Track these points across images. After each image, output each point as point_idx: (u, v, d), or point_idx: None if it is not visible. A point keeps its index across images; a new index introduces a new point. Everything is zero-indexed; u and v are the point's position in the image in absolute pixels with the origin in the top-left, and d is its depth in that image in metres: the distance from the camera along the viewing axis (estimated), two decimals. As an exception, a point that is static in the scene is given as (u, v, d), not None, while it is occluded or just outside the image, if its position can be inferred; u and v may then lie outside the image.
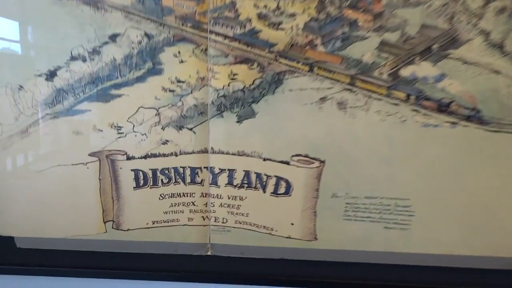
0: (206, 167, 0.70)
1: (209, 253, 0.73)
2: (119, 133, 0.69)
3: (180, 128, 0.69)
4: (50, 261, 0.74)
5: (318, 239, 0.70)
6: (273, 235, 0.71)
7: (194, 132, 0.69)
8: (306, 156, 0.68)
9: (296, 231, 0.70)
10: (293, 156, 0.68)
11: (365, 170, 0.67)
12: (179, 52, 0.67)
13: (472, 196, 0.66)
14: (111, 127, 0.70)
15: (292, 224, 0.70)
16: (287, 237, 0.71)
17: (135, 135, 0.69)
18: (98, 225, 0.73)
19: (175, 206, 0.72)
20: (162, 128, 0.69)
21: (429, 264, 0.69)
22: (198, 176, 0.70)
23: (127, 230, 0.73)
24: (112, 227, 0.73)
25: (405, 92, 0.64)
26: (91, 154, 0.71)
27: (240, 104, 0.67)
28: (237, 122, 0.68)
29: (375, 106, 0.65)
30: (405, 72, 0.64)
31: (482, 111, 0.64)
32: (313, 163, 0.68)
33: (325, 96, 0.65)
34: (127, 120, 0.69)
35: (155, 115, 0.69)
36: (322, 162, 0.67)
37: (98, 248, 0.73)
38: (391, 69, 0.64)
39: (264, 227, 0.71)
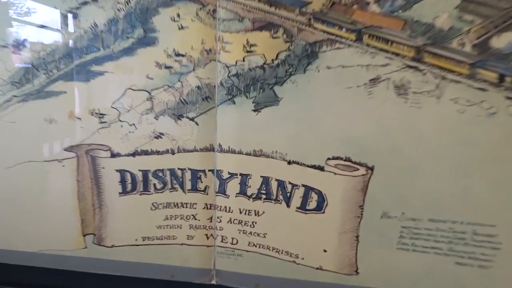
0: (212, 170, 0.53)
1: (213, 282, 0.55)
2: (101, 122, 0.53)
3: (178, 117, 0.52)
4: (16, 279, 0.59)
5: (360, 273, 0.51)
6: (298, 264, 0.53)
7: (197, 123, 0.52)
8: (347, 159, 0.49)
9: (330, 260, 0.52)
10: (329, 159, 0.49)
11: (431, 182, 0.47)
12: (178, 15, 0.49)
13: None
14: (92, 114, 0.54)
15: (325, 251, 0.52)
16: (317, 268, 0.52)
17: (121, 126, 0.53)
18: (75, 238, 0.57)
19: (171, 219, 0.55)
20: (155, 117, 0.52)
21: (519, 318, 0.49)
22: (201, 182, 0.53)
23: (111, 246, 0.57)
24: (93, 242, 0.57)
25: (498, 71, 0.44)
26: (67, 149, 0.55)
27: (259, 86, 0.50)
28: (254, 110, 0.50)
29: (450, 91, 0.45)
30: (499, 42, 0.44)
31: None
32: (357, 169, 0.49)
33: (378, 77, 0.46)
34: (112, 106, 0.53)
35: (147, 99, 0.52)
36: (370, 169, 0.49)
37: (76, 267, 0.58)
38: (478, 38, 0.44)
39: (287, 253, 0.53)
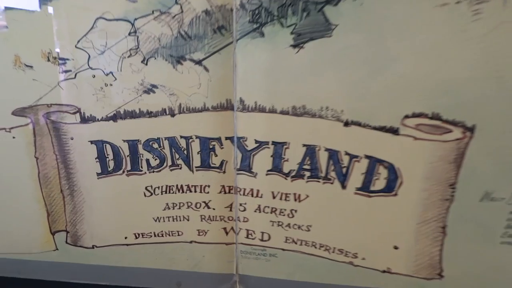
0: (231, 138, 0.36)
1: (236, 291, 0.41)
2: (63, 72, 0.36)
3: (178, 60, 0.35)
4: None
5: (445, 277, 0.37)
6: (356, 266, 0.37)
7: (207, 69, 0.35)
8: (435, 117, 0.33)
9: (403, 260, 0.36)
10: (407, 117, 0.33)
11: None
12: None
13: None
14: (48, 59, 0.36)
15: (396, 247, 0.37)
16: (383, 271, 0.37)
17: (93, 76, 0.36)
18: (41, 238, 0.41)
19: (174, 208, 0.39)
20: (143, 61, 0.35)
21: None
22: (216, 155, 0.37)
23: (92, 247, 0.41)
24: (66, 242, 0.41)
25: None
26: (16, 113, 0.37)
27: (301, 7, 0.32)
28: (294, 46, 0.33)
29: None
30: None
31: None
32: (449, 131, 0.33)
33: (497, -16, 0.30)
34: (77, 46, 0.35)
35: (129, 34, 0.35)
36: (469, 130, 0.32)
37: (43, 275, 0.42)
38: None
39: (341, 251, 0.37)
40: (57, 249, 0.40)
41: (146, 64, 0.34)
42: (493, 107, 0.31)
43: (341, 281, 0.37)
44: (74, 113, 0.36)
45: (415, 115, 0.32)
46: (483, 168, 0.32)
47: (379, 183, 0.34)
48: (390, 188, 0.34)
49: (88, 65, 0.35)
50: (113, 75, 0.35)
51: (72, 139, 0.37)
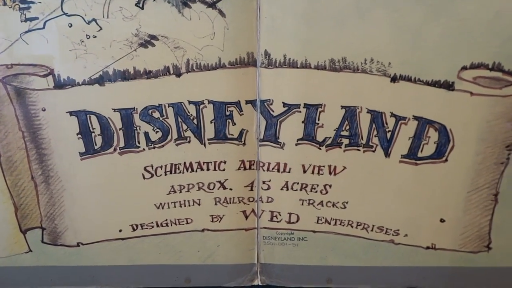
0: (252, 102, 0.29)
1: (256, 283, 0.34)
2: (27, 19, 0.27)
3: (185, 2, 0.27)
4: None
5: (493, 248, 0.32)
6: (398, 244, 0.32)
7: (222, 13, 0.27)
8: (496, 68, 0.27)
9: (449, 234, 0.31)
10: (464, 69, 0.27)
11: None
12: None
13: None
14: (3, 2, 0.27)
15: (443, 220, 0.32)
16: (427, 248, 0.32)
17: (70, 25, 0.27)
18: (8, 238, 0.31)
19: (182, 191, 0.31)
20: (138, 3, 0.26)
21: None
22: (233, 124, 0.29)
23: (77, 245, 0.32)
24: (42, 241, 0.32)
25: None
26: (-36, 77, 0.28)
27: None
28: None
29: None
30: None
31: None
32: (511, 85, 0.29)
33: None
34: (45, -16, 0.26)
35: (118, -34, 0.26)
36: (533, 82, 0.28)
37: (15, 284, 0.33)
38: None
39: (381, 229, 0.31)
40: (30, 250, 0.31)
41: (142, 7, 0.26)
42: None
43: (380, 263, 0.31)
44: (45, 75, 0.27)
45: (473, 66, 0.27)
46: (545, 125, 0.28)
47: (428, 148, 0.29)
48: (440, 153, 0.29)
49: (62, 9, 0.26)
50: (97, 24, 0.26)
51: (44, 110, 0.28)
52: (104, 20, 0.26)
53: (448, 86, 0.27)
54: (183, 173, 0.30)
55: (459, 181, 0.30)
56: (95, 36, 0.26)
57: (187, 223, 0.31)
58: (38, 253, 0.31)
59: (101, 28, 0.26)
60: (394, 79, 0.27)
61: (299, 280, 0.33)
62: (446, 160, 0.29)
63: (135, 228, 0.31)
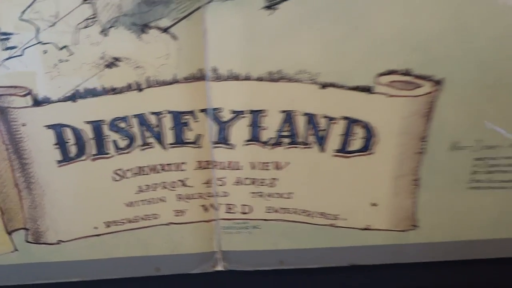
0: (205, 110, 0.33)
1: (219, 268, 0.38)
2: (8, 48, 0.30)
3: (142, 28, 0.31)
4: None
5: (420, 226, 0.37)
6: (338, 227, 0.36)
7: (175, 37, 0.31)
8: (406, 73, 0.32)
9: (381, 216, 0.36)
10: (381, 75, 0.32)
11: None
12: None
13: None
14: None
15: (374, 204, 0.36)
16: (363, 229, 0.37)
17: (45, 51, 0.31)
18: (-4, 239, 0.36)
19: (148, 190, 0.35)
20: (103, 32, 0.31)
21: None
22: (190, 130, 0.33)
23: (57, 242, 0.35)
24: (27, 240, 0.35)
25: None
26: (-48, 99, 0.32)
27: (273, -34, 0.30)
28: (267, 8, 0.31)
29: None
30: None
31: None
32: (420, 86, 0.33)
33: None
34: (22, 18, 0.30)
35: (84, 0, 0.30)
36: (437, 83, 0.32)
37: (5, 280, 0.37)
38: None
39: (322, 214, 0.36)
40: (16, 250, 0.35)
41: (107, 35, 0.30)
42: (460, 61, 0.31)
43: (323, 244, 0.36)
44: (25, 95, 0.31)
45: (388, 73, 0.32)
46: (451, 119, 0.33)
47: (356, 143, 0.33)
48: (367, 147, 0.34)
49: (37, 39, 0.30)
50: (68, 49, 0.30)
51: (24, 125, 0.31)
52: (75, 46, 0.30)
53: (368, 89, 0.32)
54: (148, 174, 0.34)
55: (385, 170, 0.35)
56: (67, 60, 0.30)
57: (155, 218, 0.35)
58: (23, 251, 0.35)
59: (72, 53, 0.30)
60: (323, 86, 0.32)
61: (256, 264, 0.37)
62: (372, 152, 0.34)
63: (109, 225, 0.35)
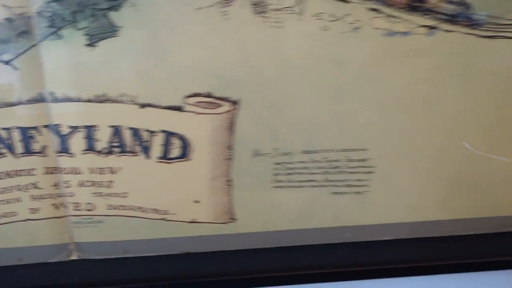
0: (47, 126, 0.41)
1: (74, 257, 0.45)
2: None
3: (-12, 61, 0.39)
4: None
5: (238, 219, 0.44)
6: (169, 221, 0.44)
7: (15, 68, 0.39)
8: (208, 95, 0.40)
9: (204, 211, 0.44)
10: (187, 96, 0.40)
11: (301, 110, 0.40)
12: None
13: (456, 136, 0.43)
14: None
15: (197, 201, 0.44)
16: (190, 222, 0.44)
17: None
18: None
19: (5, 192, 0.41)
20: (-45, 64, 0.38)
21: (397, 237, 0.46)
22: (36, 142, 0.41)
23: None
24: None
25: (357, -22, 0.38)
26: None
27: (89, 13, 0.38)
28: (89, 45, 0.39)
29: (313, 5, 0.38)
30: None
31: (473, 6, 0.39)
32: (221, 105, 0.41)
33: (231, -8, 0.38)
34: None
35: None
36: (235, 103, 0.40)
37: None
38: None
39: (155, 210, 0.43)
40: None
41: (-41, 66, 0.37)
42: (249, 85, 0.39)
43: (159, 235, 0.43)
44: None
45: (193, 95, 0.40)
46: (250, 131, 0.41)
47: (175, 152, 0.41)
48: (184, 154, 0.41)
49: None
50: None
51: None
52: None
53: (179, 108, 0.40)
54: (4, 179, 0.41)
55: (202, 173, 0.42)
56: None
57: (13, 215, 0.42)
58: None
59: None
60: (142, 106, 0.40)
61: (104, 253, 0.44)
62: (190, 159, 0.41)
63: (-26, 221, 0.42)
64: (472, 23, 0.39)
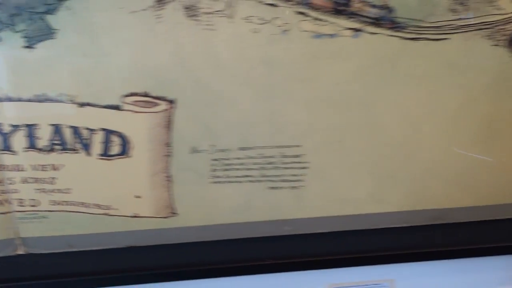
0: (-11, 125, 0.42)
1: (20, 252, 0.46)
2: None
3: None
4: None
5: (179, 213, 0.46)
6: (112, 215, 0.45)
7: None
8: (145, 95, 0.42)
9: (145, 206, 0.45)
10: (125, 96, 0.42)
11: (235, 108, 0.42)
12: None
13: (384, 133, 0.45)
14: None
15: (138, 196, 0.45)
16: (133, 216, 0.46)
17: None
18: None
19: None
20: None
21: (332, 230, 0.48)
22: (-21, 140, 0.43)
23: None
24: None
25: (282, -17, 0.40)
26: None
27: (27, 16, 0.39)
28: (27, 47, 0.40)
29: (243, 9, 0.40)
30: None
31: (396, 10, 0.42)
32: (158, 104, 0.43)
33: (161, -4, 0.39)
34: None
35: None
36: (171, 102, 0.42)
37: None
38: None
39: (97, 205, 0.45)
40: None
41: None
42: (185, 85, 0.41)
43: (102, 229, 0.45)
44: None
45: (131, 94, 0.41)
46: (187, 129, 0.43)
47: (115, 149, 0.43)
48: (124, 151, 0.43)
49: None
50: None
51: None
52: None
53: (117, 107, 0.42)
54: (-51, 176, 0.42)
55: (142, 169, 0.44)
56: None
57: (-40, 211, 0.44)
58: None
59: None
60: (81, 105, 0.41)
61: (50, 247, 0.45)
62: (130, 156, 0.43)
63: None
64: (395, 26, 0.42)
